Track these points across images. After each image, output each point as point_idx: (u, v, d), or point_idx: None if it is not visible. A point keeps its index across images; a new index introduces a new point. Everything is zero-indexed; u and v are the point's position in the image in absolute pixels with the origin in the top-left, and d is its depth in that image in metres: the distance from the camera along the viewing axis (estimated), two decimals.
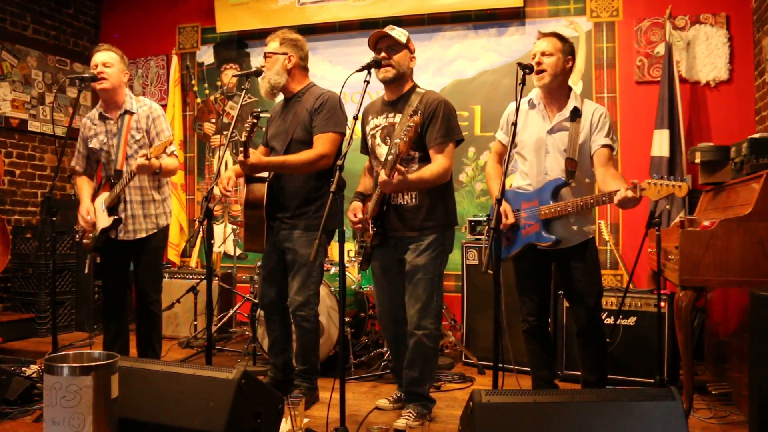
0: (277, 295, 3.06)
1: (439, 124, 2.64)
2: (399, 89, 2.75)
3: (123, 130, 3.10)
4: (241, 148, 2.67)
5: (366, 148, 2.93)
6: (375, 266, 2.86)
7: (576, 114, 2.63)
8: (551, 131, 2.67)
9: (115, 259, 3.23)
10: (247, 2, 5.14)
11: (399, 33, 2.69)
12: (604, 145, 2.59)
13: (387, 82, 2.73)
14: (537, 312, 2.76)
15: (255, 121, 2.63)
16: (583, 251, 2.64)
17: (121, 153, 3.09)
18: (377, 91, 4.90)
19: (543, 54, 2.61)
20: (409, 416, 2.66)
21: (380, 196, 2.67)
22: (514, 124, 2.43)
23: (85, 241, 3.22)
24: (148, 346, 3.26)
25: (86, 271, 3.62)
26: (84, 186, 3.25)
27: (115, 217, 3.09)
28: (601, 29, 4.45)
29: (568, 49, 2.65)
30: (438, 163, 2.62)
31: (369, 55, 2.68)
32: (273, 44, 2.99)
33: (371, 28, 4.93)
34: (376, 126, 2.80)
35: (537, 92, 2.75)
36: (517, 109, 2.46)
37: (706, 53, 4.20)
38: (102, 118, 3.17)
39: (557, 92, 2.67)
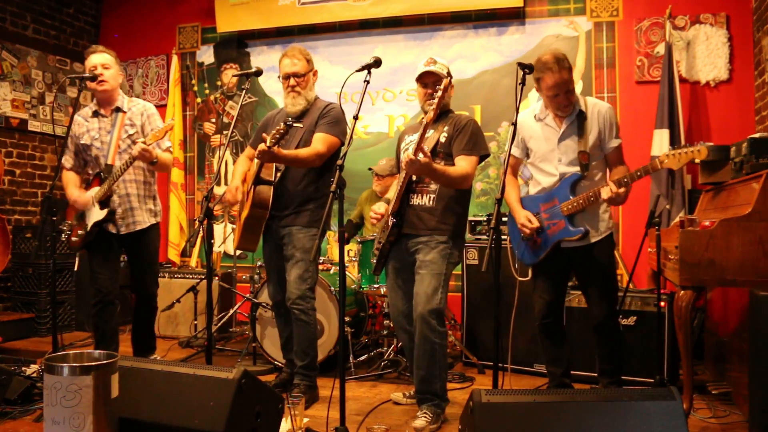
0: (282, 294, 3.14)
1: (467, 137, 2.75)
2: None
3: (116, 126, 3.17)
4: (270, 140, 2.68)
5: (399, 167, 3.04)
6: (389, 267, 2.93)
7: (582, 117, 2.72)
8: (561, 139, 2.74)
9: (108, 255, 3.22)
10: (248, 2, 5.14)
11: (440, 67, 2.80)
12: (616, 147, 2.72)
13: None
14: (548, 310, 2.81)
15: (286, 129, 2.67)
16: (601, 248, 2.72)
17: (113, 147, 3.15)
18: (377, 90, 4.93)
19: (559, 89, 2.64)
20: (425, 416, 2.68)
21: (402, 190, 2.76)
22: (514, 124, 2.44)
23: (73, 239, 3.24)
24: (149, 338, 3.38)
25: (76, 268, 3.54)
26: (70, 178, 3.28)
27: (109, 209, 3.12)
28: (601, 29, 4.45)
29: (570, 66, 2.68)
30: (462, 166, 2.71)
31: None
32: (301, 63, 3.04)
33: (371, 28, 4.96)
34: (410, 141, 2.89)
35: (541, 104, 2.80)
36: (517, 109, 2.46)
37: (706, 53, 4.20)
38: (96, 114, 3.23)
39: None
